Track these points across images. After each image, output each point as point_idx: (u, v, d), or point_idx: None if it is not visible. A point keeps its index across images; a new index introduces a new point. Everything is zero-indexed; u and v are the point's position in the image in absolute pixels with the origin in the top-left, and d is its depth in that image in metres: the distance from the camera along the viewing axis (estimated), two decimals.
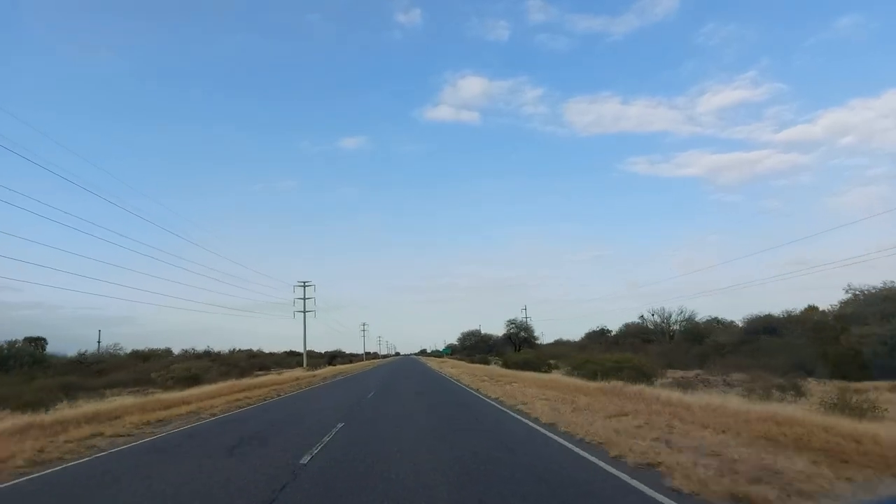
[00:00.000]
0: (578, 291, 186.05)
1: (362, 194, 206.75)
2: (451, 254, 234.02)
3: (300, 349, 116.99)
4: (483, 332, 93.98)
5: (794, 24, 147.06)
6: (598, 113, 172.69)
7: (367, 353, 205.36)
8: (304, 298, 78.24)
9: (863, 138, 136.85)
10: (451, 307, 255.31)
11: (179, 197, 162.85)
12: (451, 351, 67.60)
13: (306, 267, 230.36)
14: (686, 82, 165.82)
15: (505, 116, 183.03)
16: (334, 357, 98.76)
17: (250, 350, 79.42)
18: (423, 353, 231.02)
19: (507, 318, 72.20)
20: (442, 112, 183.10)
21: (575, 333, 78.52)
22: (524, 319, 70.24)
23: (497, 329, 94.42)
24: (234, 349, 73.32)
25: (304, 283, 78.54)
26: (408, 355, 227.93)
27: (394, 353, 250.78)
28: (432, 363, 66.06)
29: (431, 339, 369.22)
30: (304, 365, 76.51)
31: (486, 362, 52.93)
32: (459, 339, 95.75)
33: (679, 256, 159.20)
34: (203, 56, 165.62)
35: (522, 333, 69.38)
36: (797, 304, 61.81)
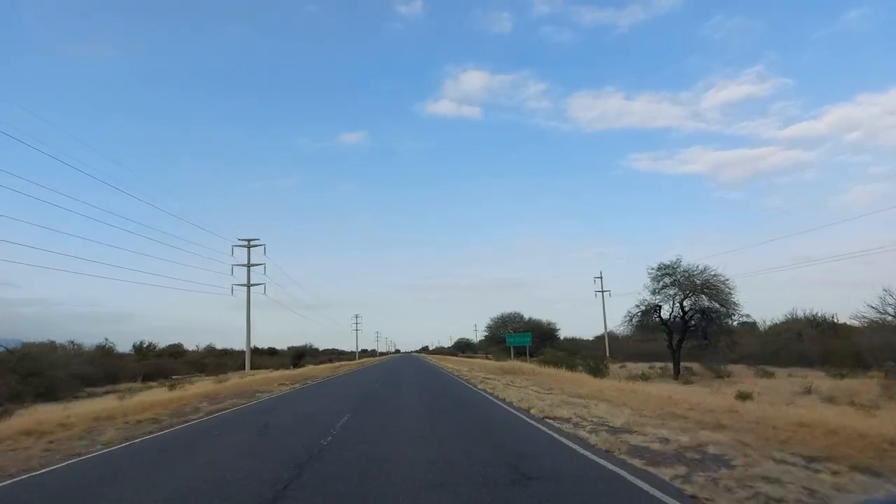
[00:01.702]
0: (581, 290, 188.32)
1: (362, 192, 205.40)
2: (452, 252, 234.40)
3: (282, 346, 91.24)
4: (526, 316, 65.53)
5: (801, 17, 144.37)
6: (601, 108, 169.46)
7: (364, 351, 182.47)
8: (249, 266, 51.59)
9: (868, 135, 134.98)
10: (452, 306, 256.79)
11: (179, 196, 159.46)
12: (529, 340, 35.45)
13: (303, 265, 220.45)
14: (691, 77, 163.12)
15: (507, 112, 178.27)
16: (302, 355, 71.63)
17: (149, 346, 52.07)
18: (425, 350, 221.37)
19: (658, 264, 30.53)
20: (443, 107, 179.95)
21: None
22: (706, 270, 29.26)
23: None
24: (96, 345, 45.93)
25: (249, 241, 51.85)
26: (408, 353, 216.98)
27: (393, 350, 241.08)
28: (470, 372, 30.76)
29: (434, 337, 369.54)
30: (247, 368, 50.04)
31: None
32: (489, 327, 68.12)
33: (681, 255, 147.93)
34: (200, 52, 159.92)
35: (710, 304, 27.93)
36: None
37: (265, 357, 79.52)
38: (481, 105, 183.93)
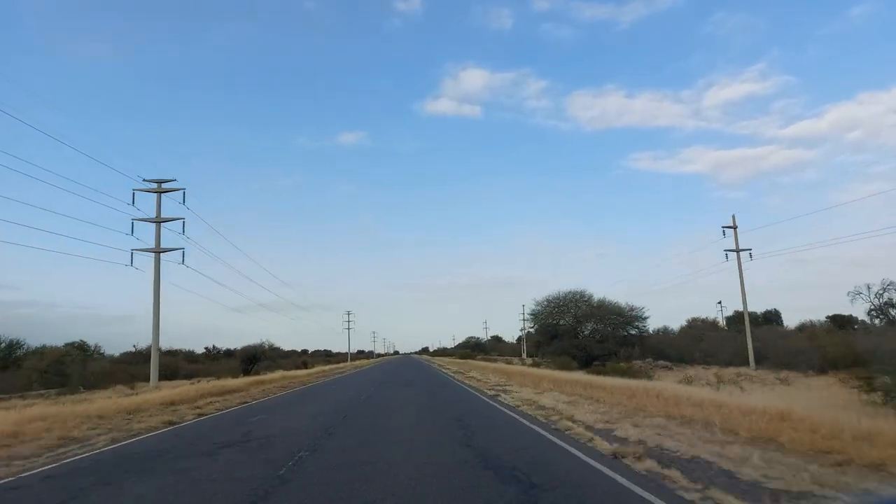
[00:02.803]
0: (587, 285, 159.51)
1: (361, 192, 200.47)
2: (451, 252, 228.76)
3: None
4: (595, 297, 42.99)
5: (804, 14, 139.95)
6: (601, 107, 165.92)
7: (360, 352, 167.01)
8: (159, 221, 33.51)
9: (869, 134, 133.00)
10: (452, 306, 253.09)
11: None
12: None
13: (301, 264, 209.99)
14: (693, 75, 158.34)
15: (507, 111, 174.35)
16: (255, 358, 52.90)
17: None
18: (425, 351, 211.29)
19: None
20: (443, 105, 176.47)
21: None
22: None
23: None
24: None
25: (160, 182, 33.77)
26: (408, 354, 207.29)
27: (392, 351, 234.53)
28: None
29: (435, 337, 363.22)
30: (153, 380, 31.95)
31: None
32: (534, 316, 45.29)
33: (682, 254, 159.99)
34: (199, 51, 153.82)
35: None
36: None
37: (228, 361, 61.37)
38: (481, 104, 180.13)
